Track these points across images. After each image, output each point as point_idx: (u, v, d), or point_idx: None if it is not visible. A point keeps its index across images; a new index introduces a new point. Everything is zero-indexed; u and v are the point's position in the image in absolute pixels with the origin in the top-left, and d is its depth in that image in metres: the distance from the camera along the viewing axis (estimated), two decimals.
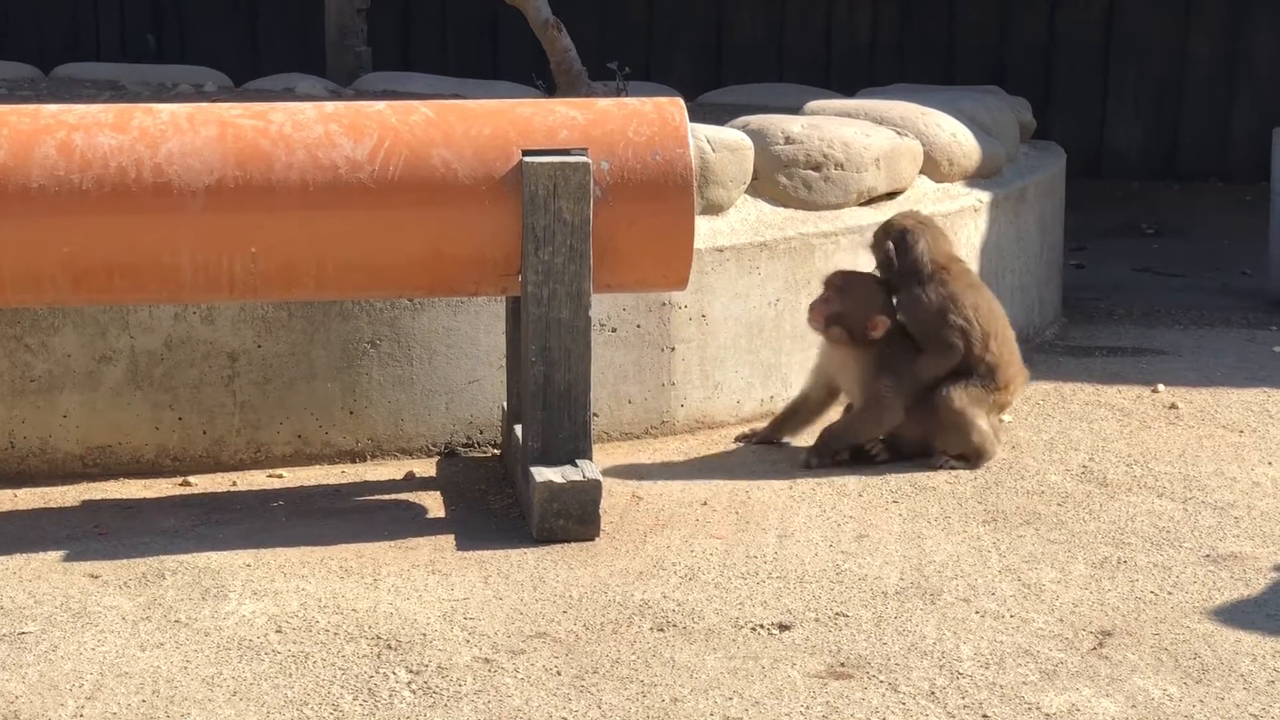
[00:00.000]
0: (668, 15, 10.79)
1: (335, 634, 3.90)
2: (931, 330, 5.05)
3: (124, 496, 4.85)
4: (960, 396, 5.01)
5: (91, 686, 3.64)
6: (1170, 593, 4.17)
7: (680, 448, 5.28)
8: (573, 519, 4.46)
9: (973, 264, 6.10)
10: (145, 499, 4.83)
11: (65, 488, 4.90)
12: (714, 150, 5.46)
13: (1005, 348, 5.13)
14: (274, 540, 4.48)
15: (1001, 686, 3.65)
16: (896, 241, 5.12)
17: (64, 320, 4.94)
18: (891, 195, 5.97)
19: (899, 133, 6.07)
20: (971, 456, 5.04)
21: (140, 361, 4.99)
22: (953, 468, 5.02)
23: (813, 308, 5.10)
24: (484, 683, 3.66)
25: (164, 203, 4.37)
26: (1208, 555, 4.42)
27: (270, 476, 5.01)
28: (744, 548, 4.45)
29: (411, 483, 4.97)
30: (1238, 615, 4.03)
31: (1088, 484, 4.97)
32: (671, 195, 4.54)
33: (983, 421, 5.04)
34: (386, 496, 4.85)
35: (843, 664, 3.75)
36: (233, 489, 4.92)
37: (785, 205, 5.68)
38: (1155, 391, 5.90)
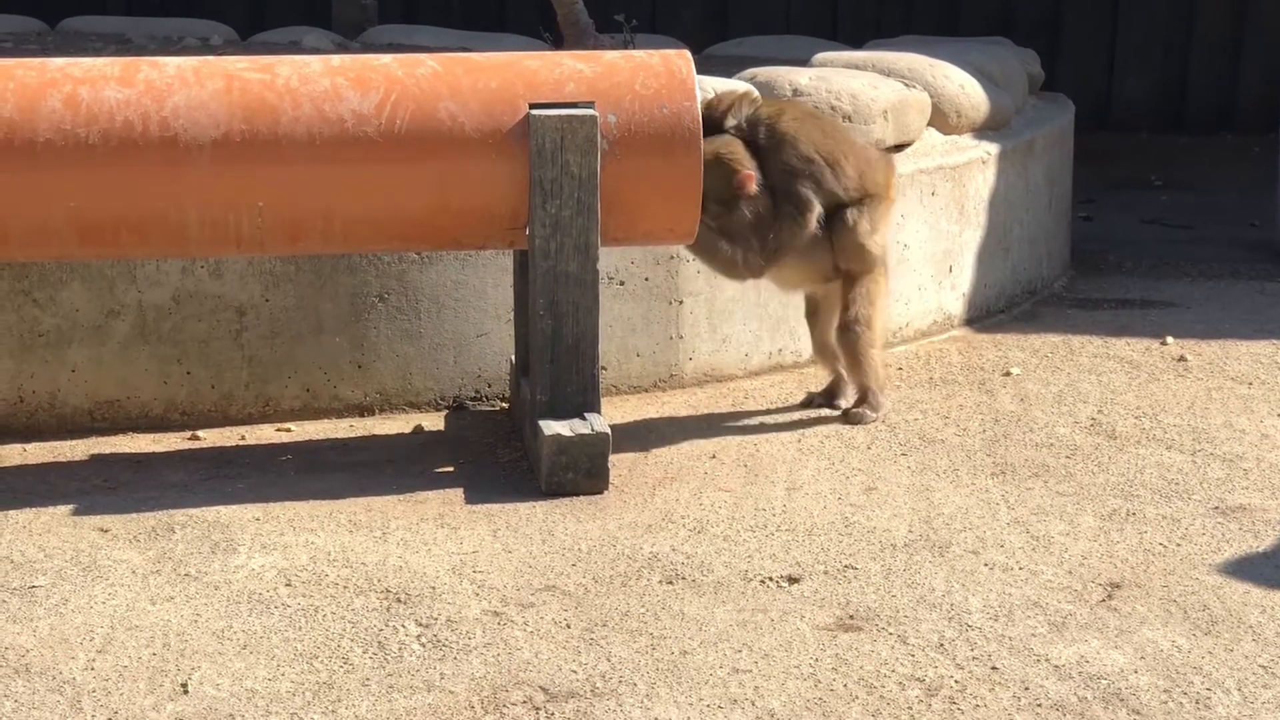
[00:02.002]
0: None
1: (344, 587, 3.91)
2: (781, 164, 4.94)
3: (133, 451, 4.86)
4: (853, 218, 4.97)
5: (102, 640, 3.65)
6: (1179, 545, 4.17)
7: (688, 401, 5.28)
8: (581, 472, 4.46)
9: (980, 216, 6.10)
10: (154, 453, 4.84)
11: (74, 442, 4.91)
12: None
13: (855, 159, 5.00)
14: (283, 494, 4.49)
15: (1010, 639, 3.65)
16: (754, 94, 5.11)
17: (72, 275, 4.94)
18: (899, 147, 5.95)
19: (907, 84, 6.05)
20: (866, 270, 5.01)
21: (148, 316, 4.99)
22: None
23: None
24: (493, 635, 3.67)
25: (170, 156, 4.36)
26: (1217, 507, 4.42)
27: (278, 430, 5.02)
28: (752, 501, 4.45)
29: (420, 436, 4.97)
30: (1247, 567, 4.04)
31: (1096, 436, 4.97)
32: (679, 148, 4.53)
33: (878, 238, 5.02)
34: (395, 450, 4.86)
35: (852, 616, 3.76)
36: (241, 443, 4.93)
37: None
38: (1164, 344, 5.89)
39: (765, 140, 4.90)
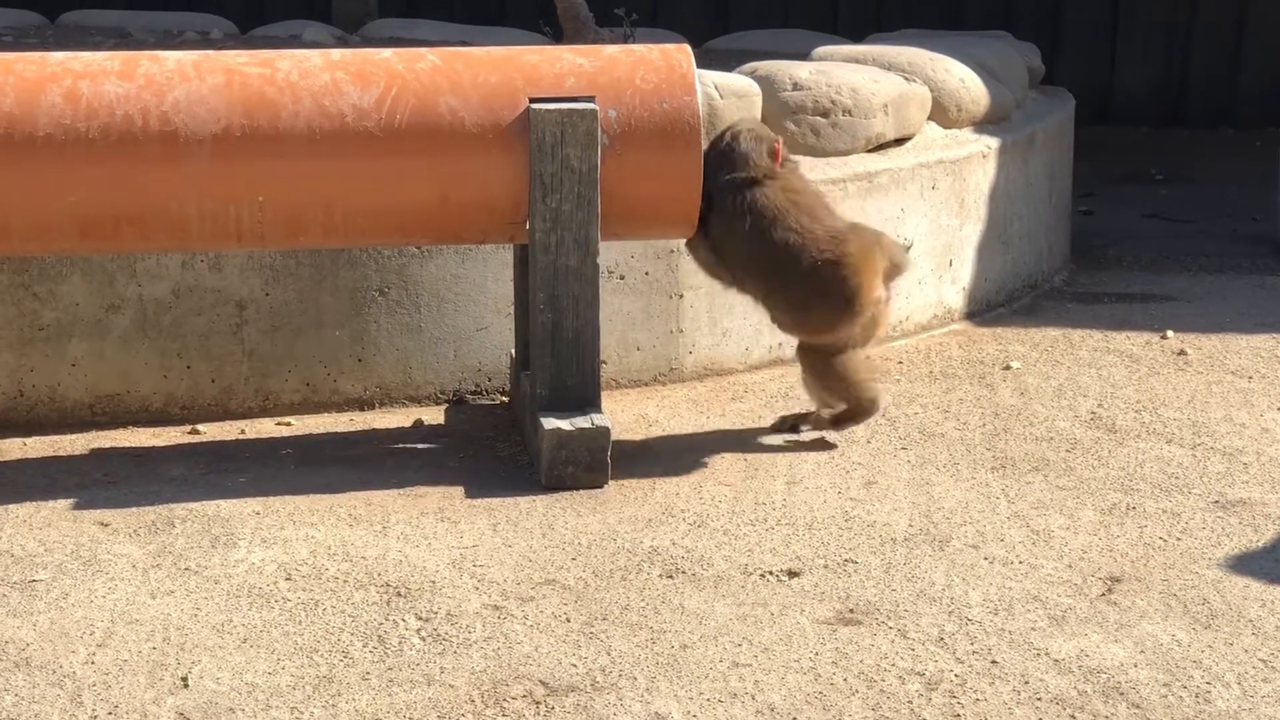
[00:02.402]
0: None
1: (344, 581, 3.91)
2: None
3: (133, 445, 4.86)
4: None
5: (102, 634, 3.65)
6: (1179, 539, 4.17)
7: (688, 395, 5.28)
8: (581, 466, 4.46)
9: (981, 210, 6.09)
10: (154, 447, 4.84)
11: (74, 436, 4.91)
12: (721, 97, 5.44)
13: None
14: (283, 488, 4.49)
15: (1010, 632, 3.65)
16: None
17: (72, 269, 4.94)
18: (899, 141, 5.95)
19: (907, 78, 6.05)
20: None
21: (148, 310, 4.99)
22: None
23: None
24: (493, 630, 3.67)
25: (171, 151, 4.37)
26: (1216, 501, 4.42)
27: (279, 424, 5.02)
28: (752, 495, 4.45)
29: (420, 430, 4.97)
30: (1246, 561, 4.04)
31: (1096, 430, 4.97)
32: (679, 142, 4.53)
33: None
34: (395, 444, 4.86)
35: (852, 610, 3.76)
36: (241, 437, 4.93)
37: (793, 152, 5.63)
38: (1164, 338, 5.89)
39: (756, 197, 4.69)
